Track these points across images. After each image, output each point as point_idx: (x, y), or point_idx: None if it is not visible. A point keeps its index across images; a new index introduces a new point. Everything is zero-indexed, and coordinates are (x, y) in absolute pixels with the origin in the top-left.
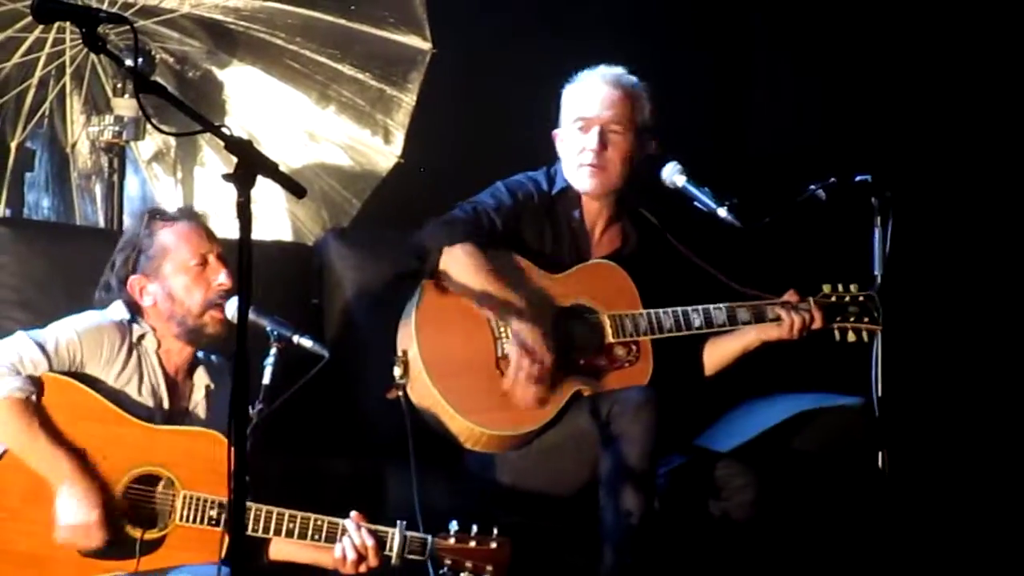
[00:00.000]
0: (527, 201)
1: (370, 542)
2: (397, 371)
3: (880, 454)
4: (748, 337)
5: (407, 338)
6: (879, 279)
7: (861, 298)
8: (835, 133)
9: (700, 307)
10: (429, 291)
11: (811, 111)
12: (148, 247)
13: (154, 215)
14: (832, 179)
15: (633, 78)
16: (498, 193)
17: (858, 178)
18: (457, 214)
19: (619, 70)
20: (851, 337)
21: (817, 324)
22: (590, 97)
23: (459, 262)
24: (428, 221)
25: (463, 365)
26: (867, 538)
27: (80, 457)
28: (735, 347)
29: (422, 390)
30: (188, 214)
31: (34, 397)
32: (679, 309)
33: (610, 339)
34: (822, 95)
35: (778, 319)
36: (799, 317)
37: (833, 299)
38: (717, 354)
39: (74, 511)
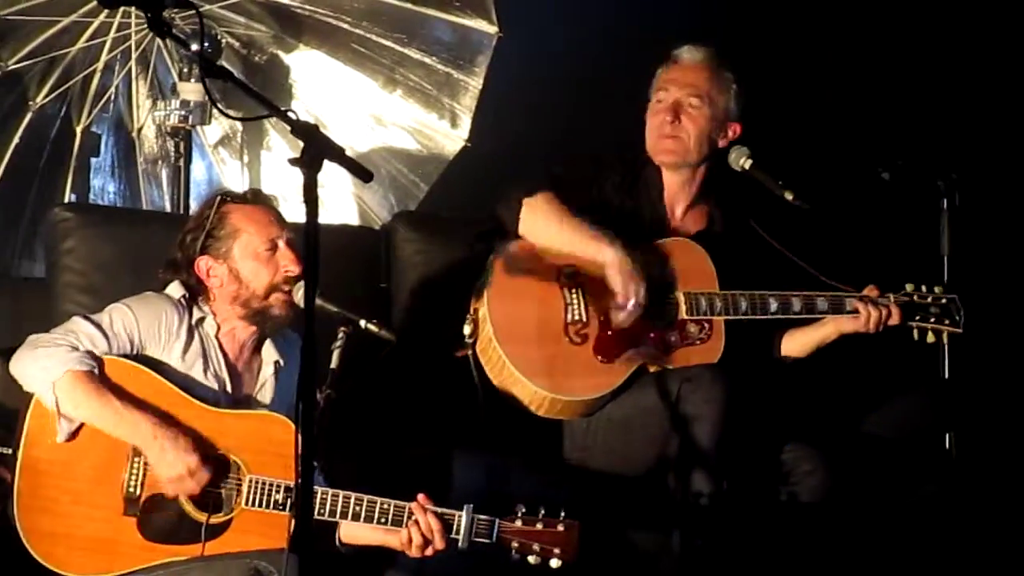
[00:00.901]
0: (612, 171)
1: (436, 525)
2: (467, 329)
3: (947, 437)
4: (826, 329)
5: (480, 298)
6: (946, 260)
7: (944, 300)
8: (902, 116)
9: (778, 293)
10: (504, 253)
11: (881, 95)
12: (217, 228)
13: (225, 197)
14: (898, 161)
15: (723, 61)
16: (581, 159)
17: (924, 160)
18: (542, 171)
19: (710, 50)
20: (930, 338)
21: (895, 320)
22: (673, 72)
23: (540, 209)
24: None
25: (531, 329)
26: (935, 521)
27: (158, 413)
28: (812, 339)
29: (489, 351)
30: (259, 197)
31: (96, 370)
32: (756, 293)
33: (683, 315)
34: (890, 79)
35: (855, 312)
36: (876, 311)
37: (915, 298)
38: (795, 344)
39: (171, 463)
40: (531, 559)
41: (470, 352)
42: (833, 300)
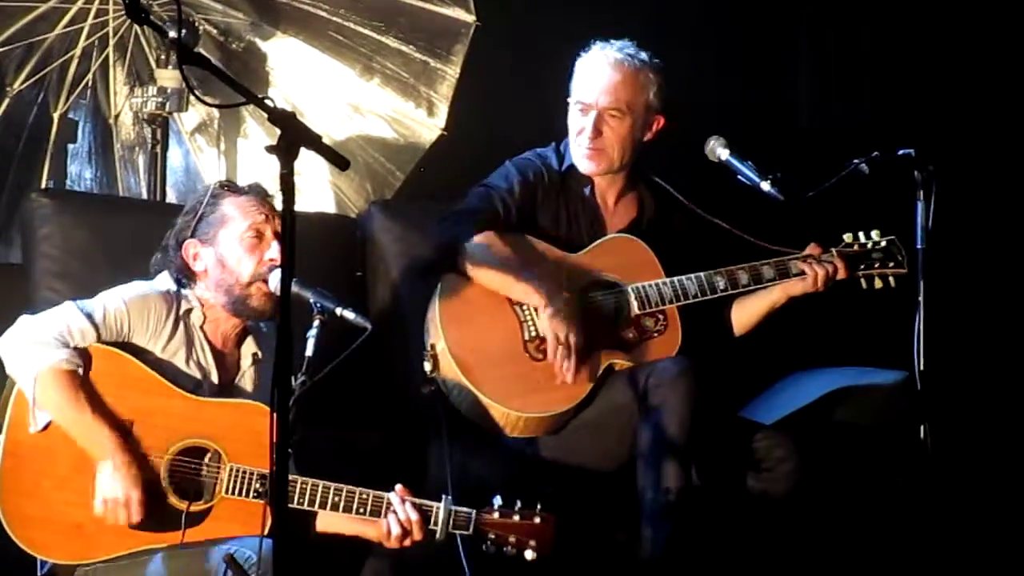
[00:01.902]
0: (538, 181)
1: (415, 516)
2: (427, 366)
3: (922, 428)
4: (774, 295)
5: (434, 333)
6: (921, 253)
7: (883, 243)
8: (880, 108)
9: (723, 269)
10: (450, 283)
11: (857, 87)
12: (209, 213)
13: (223, 185)
14: (875, 153)
15: (641, 56)
16: (510, 176)
17: (901, 152)
18: (472, 203)
19: (628, 49)
20: (878, 284)
21: (841, 274)
22: (591, 80)
23: (479, 256)
24: (444, 213)
25: (492, 353)
26: (908, 512)
27: (124, 432)
28: (762, 306)
29: (455, 383)
30: (257, 191)
31: (80, 370)
32: (703, 274)
33: (636, 311)
34: (868, 70)
35: (802, 274)
36: (823, 269)
37: (855, 248)
38: (745, 314)
39: (114, 487)
40: (506, 550)
41: (433, 388)
42: (779, 266)
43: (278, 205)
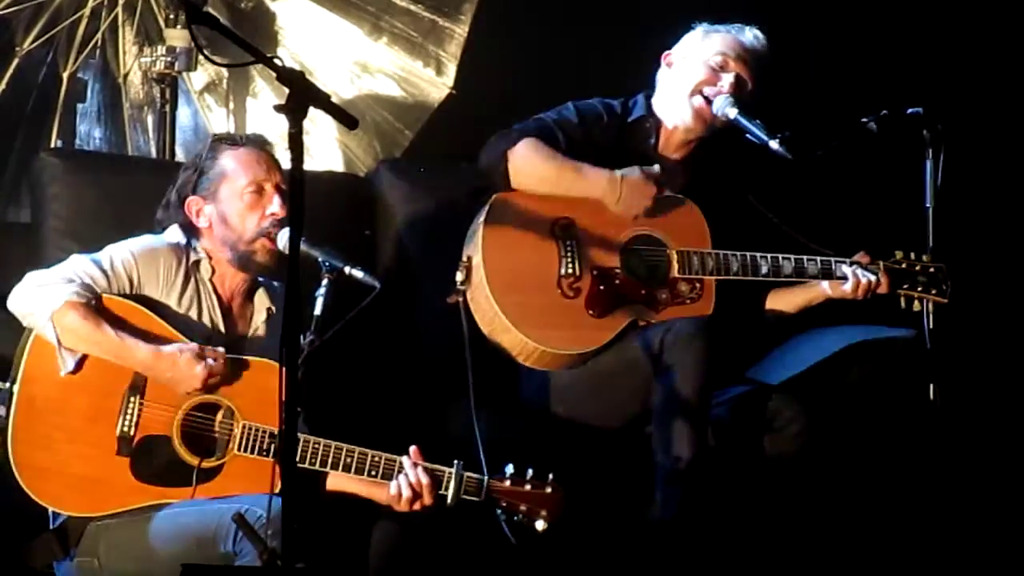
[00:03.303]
0: (595, 123)
1: (425, 480)
2: (459, 276)
3: (931, 387)
4: (814, 291)
5: (473, 246)
6: (930, 212)
7: (932, 269)
8: (888, 66)
9: (769, 255)
10: (499, 203)
11: (865, 45)
12: (209, 169)
13: (221, 139)
14: (884, 111)
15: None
16: (565, 111)
17: (910, 111)
18: (517, 126)
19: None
20: (916, 307)
21: (883, 289)
22: (740, 42)
23: (526, 157)
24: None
25: (524, 279)
26: (917, 471)
27: (155, 339)
28: (800, 299)
29: (481, 299)
30: (255, 142)
31: (93, 303)
32: (748, 254)
33: (675, 274)
34: (876, 28)
35: (844, 278)
36: (865, 279)
37: (903, 266)
38: (781, 303)
39: (178, 377)
40: (517, 519)
41: (461, 299)
42: (824, 264)
43: (278, 155)
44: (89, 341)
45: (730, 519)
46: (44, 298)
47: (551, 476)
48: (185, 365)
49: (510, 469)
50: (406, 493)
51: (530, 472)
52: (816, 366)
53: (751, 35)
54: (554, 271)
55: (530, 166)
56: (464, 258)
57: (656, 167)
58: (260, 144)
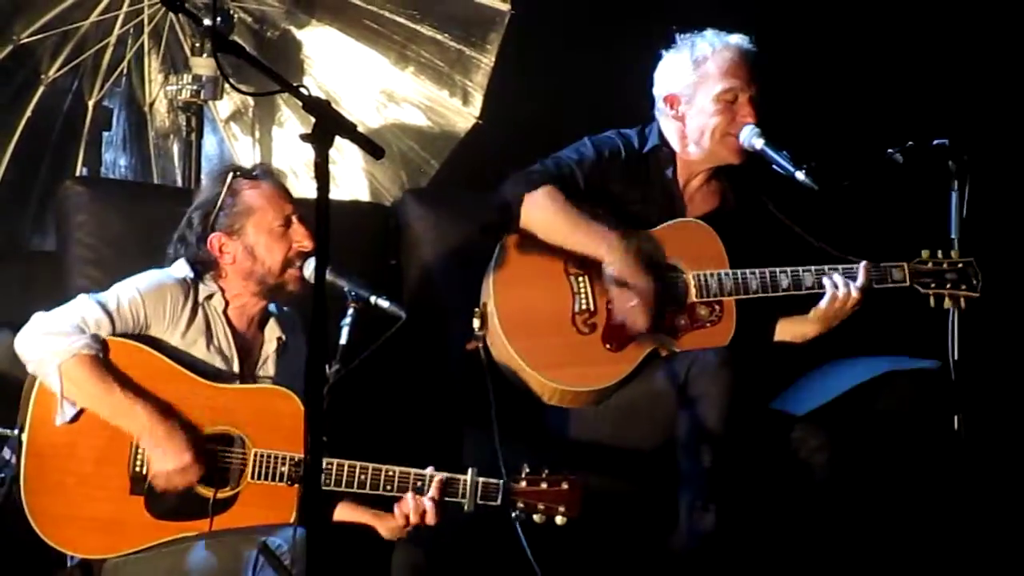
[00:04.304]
0: (614, 157)
1: (429, 506)
2: (476, 323)
3: (956, 418)
4: (810, 325)
5: (486, 291)
6: (956, 243)
7: (960, 265)
8: (914, 98)
9: (788, 268)
10: (509, 246)
11: (892, 76)
12: (230, 205)
13: (236, 173)
14: (910, 143)
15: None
16: (583, 148)
17: (936, 142)
18: (537, 167)
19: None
20: (947, 304)
21: (860, 286)
22: (736, 61)
23: (540, 205)
24: (508, 177)
25: (539, 321)
26: (942, 502)
27: (158, 405)
28: (793, 332)
29: (498, 344)
30: (272, 175)
31: (101, 355)
32: (767, 270)
33: (693, 298)
34: (901, 59)
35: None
36: (844, 288)
37: (930, 265)
38: (787, 334)
39: (164, 457)
40: (536, 518)
41: (480, 345)
42: (846, 272)
43: (303, 184)
44: (92, 398)
45: (756, 549)
46: (52, 347)
47: (566, 472)
48: (166, 458)
49: (526, 469)
50: (414, 519)
51: (545, 471)
52: (841, 396)
53: (736, 44)
54: (568, 309)
55: (543, 216)
56: (480, 304)
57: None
58: (276, 176)
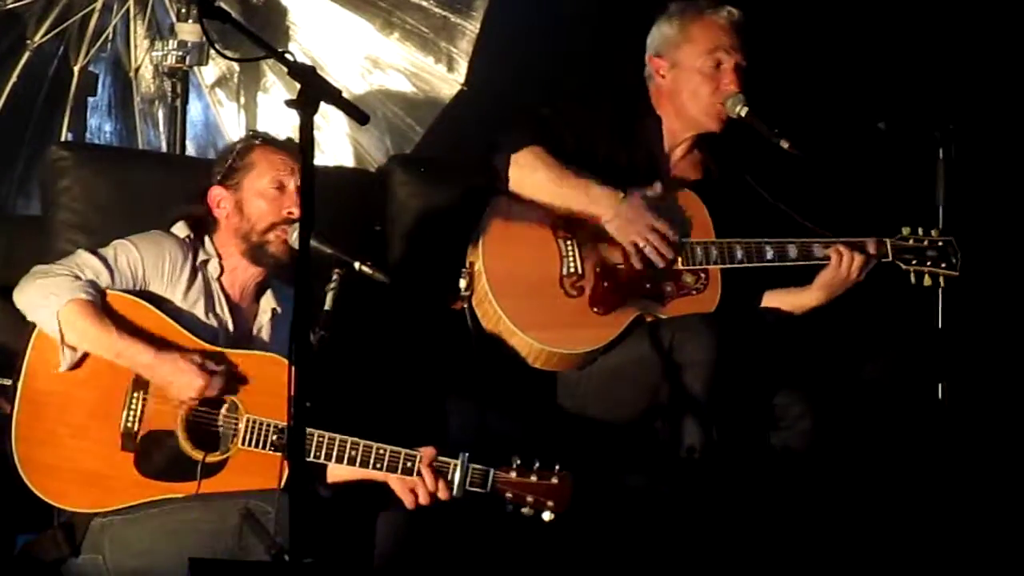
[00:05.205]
0: (602, 119)
1: (442, 485)
2: (463, 283)
3: (940, 386)
4: (808, 295)
5: (474, 251)
6: (941, 210)
7: (940, 243)
8: (899, 67)
9: (774, 240)
10: (498, 207)
11: (877, 44)
12: (236, 160)
13: (256, 135)
14: (895, 111)
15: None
16: (570, 109)
17: (921, 111)
18: (522, 127)
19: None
20: (927, 281)
21: (866, 257)
22: (722, 27)
23: (527, 164)
24: (494, 140)
25: (527, 282)
26: (925, 470)
27: (158, 343)
28: (792, 303)
29: (485, 304)
30: (284, 145)
31: (97, 301)
32: (752, 241)
33: (679, 265)
34: (889, 29)
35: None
36: (849, 254)
37: (911, 242)
38: (778, 301)
39: (179, 386)
40: (524, 511)
41: (466, 305)
42: (830, 247)
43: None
44: (92, 340)
45: (738, 515)
46: (50, 294)
47: (557, 467)
48: (185, 372)
49: (517, 460)
50: (423, 500)
51: (536, 464)
52: (825, 363)
53: (724, 11)
54: (556, 271)
55: (531, 176)
56: (467, 264)
57: (658, 187)
58: (287, 146)
